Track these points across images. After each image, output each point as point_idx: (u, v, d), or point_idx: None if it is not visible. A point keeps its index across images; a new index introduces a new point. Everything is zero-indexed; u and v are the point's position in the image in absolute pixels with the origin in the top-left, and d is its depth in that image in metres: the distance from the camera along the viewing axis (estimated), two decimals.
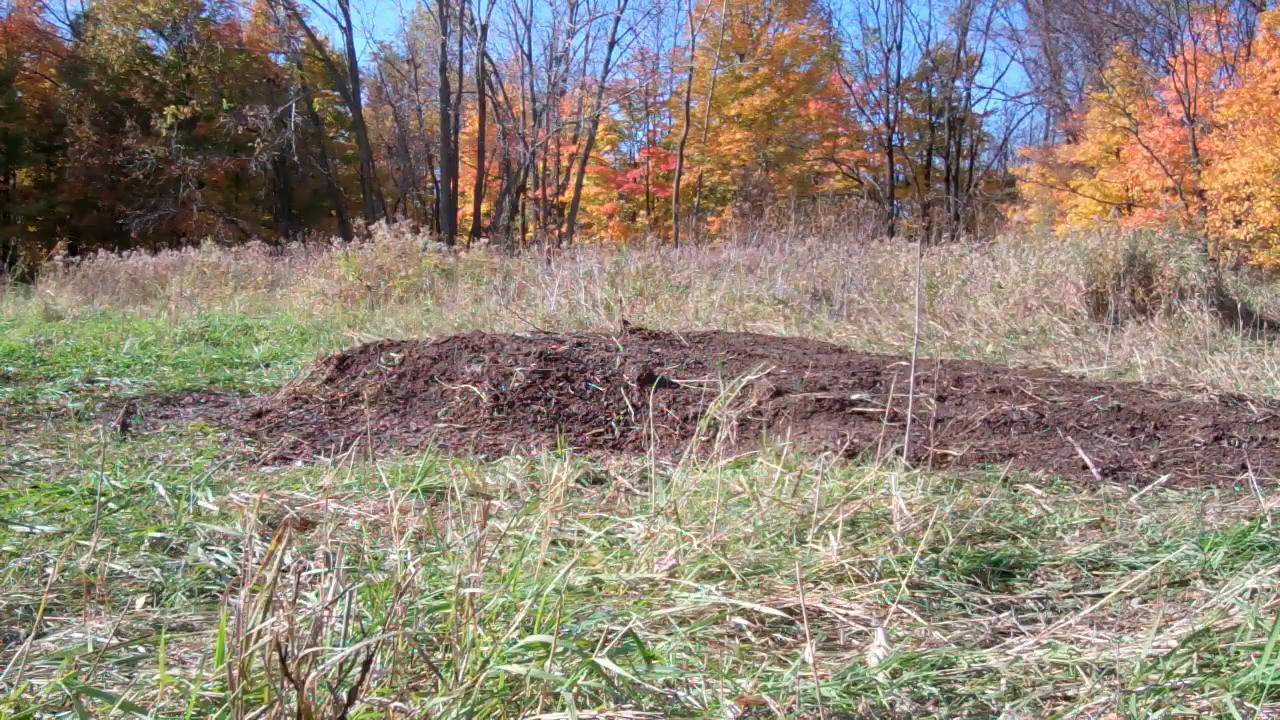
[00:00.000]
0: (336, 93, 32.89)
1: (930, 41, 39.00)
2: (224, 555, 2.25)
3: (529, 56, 34.51)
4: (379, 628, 1.43)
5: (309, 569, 1.94)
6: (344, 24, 31.66)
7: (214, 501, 2.71)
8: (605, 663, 1.39)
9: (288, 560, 1.38)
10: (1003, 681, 1.57)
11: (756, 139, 33.11)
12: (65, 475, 3.15)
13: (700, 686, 1.49)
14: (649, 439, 3.81)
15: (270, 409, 4.47)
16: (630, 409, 4.17)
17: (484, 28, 31.47)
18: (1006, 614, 1.92)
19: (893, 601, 1.86)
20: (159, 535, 2.35)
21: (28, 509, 2.62)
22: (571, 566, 1.77)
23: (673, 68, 36.33)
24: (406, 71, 35.78)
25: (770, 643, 1.76)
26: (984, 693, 1.54)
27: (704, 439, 2.40)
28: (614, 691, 1.42)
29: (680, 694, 1.47)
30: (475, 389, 4.33)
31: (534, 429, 4.05)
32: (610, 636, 1.48)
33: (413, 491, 2.84)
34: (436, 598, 1.70)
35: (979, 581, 2.09)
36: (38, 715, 1.38)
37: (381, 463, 3.33)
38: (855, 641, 1.77)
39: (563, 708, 1.31)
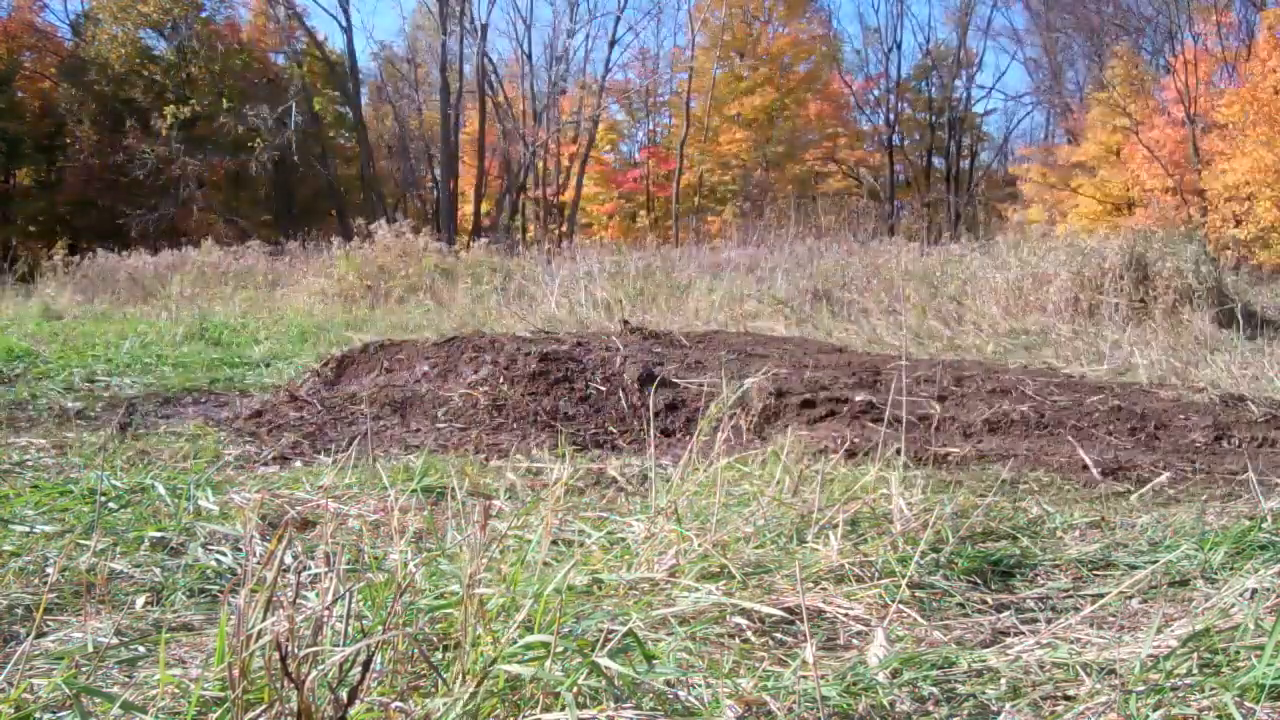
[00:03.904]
0: (336, 93, 32.87)
1: (930, 41, 38.91)
2: (224, 555, 2.25)
3: (529, 56, 34.53)
4: (379, 628, 1.42)
5: (309, 569, 1.94)
6: (344, 24, 31.61)
7: (214, 501, 2.70)
8: (605, 662, 1.39)
9: (288, 560, 1.38)
10: (1003, 681, 1.57)
11: (756, 139, 33.11)
12: (65, 475, 3.14)
13: (700, 686, 1.49)
14: (649, 439, 3.81)
15: (270, 408, 4.47)
16: (630, 409, 4.17)
17: (484, 27, 31.48)
18: (1007, 614, 1.92)
19: (893, 601, 1.86)
20: (159, 535, 2.35)
21: (28, 509, 2.62)
22: (572, 566, 1.77)
23: (673, 67, 36.37)
24: (406, 71, 35.78)
25: (770, 642, 1.76)
26: (984, 692, 1.54)
27: (704, 439, 2.40)
28: (614, 691, 1.42)
29: (680, 694, 1.47)
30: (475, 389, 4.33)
31: (534, 429, 4.05)
32: (610, 636, 1.48)
33: (413, 491, 2.84)
34: (437, 598, 1.70)
35: (979, 581, 2.09)
36: (38, 715, 1.38)
37: (382, 462, 3.32)
38: (855, 641, 1.77)
39: (563, 707, 1.31)
